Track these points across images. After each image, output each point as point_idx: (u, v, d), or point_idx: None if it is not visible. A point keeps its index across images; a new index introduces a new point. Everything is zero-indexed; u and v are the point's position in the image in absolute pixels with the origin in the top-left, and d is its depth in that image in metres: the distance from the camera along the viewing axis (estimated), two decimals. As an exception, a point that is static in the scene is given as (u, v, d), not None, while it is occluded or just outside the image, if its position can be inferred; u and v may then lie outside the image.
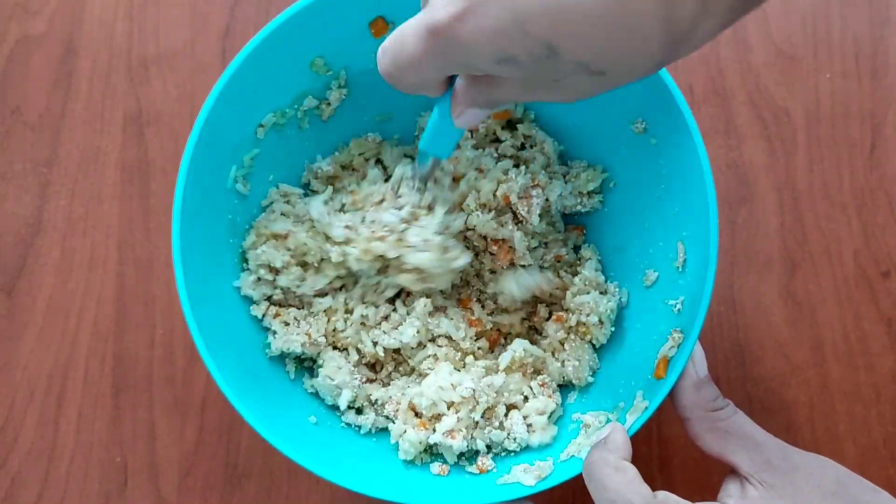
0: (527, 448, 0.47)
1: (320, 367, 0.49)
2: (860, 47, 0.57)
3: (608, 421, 0.45)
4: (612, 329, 0.48)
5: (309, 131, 0.51)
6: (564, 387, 0.50)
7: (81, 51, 0.59)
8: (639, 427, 0.42)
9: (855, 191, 0.56)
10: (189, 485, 0.54)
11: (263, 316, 0.49)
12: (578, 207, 0.51)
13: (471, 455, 0.48)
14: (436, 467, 0.46)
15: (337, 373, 0.48)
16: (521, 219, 0.48)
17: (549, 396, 0.48)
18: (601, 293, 0.49)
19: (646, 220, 0.48)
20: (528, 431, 0.47)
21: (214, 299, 0.45)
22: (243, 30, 0.59)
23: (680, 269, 0.44)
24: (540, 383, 0.48)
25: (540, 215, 0.49)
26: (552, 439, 0.47)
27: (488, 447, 0.47)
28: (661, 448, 0.53)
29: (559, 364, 0.49)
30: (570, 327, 0.49)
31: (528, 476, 0.43)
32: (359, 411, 0.49)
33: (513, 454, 0.47)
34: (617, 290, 0.49)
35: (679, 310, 0.44)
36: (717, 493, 0.40)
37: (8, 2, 0.59)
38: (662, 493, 0.38)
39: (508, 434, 0.47)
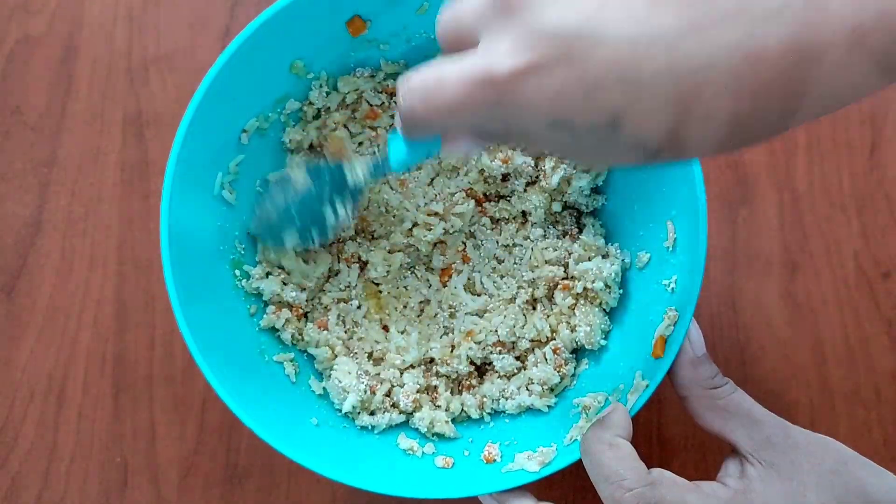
0: (526, 410, 0.48)
1: (332, 369, 0.49)
2: (861, 47, 0.57)
3: (608, 402, 0.45)
4: (621, 291, 0.48)
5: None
6: (579, 350, 0.50)
7: (81, 51, 0.59)
8: (640, 406, 0.42)
9: (855, 191, 0.56)
10: (189, 485, 0.54)
11: (275, 327, 0.49)
12: (582, 207, 0.51)
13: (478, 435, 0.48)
14: (440, 460, 0.46)
15: (346, 376, 0.48)
16: (540, 173, 0.50)
17: (560, 367, 0.48)
18: (603, 257, 0.49)
19: (634, 202, 0.48)
20: (528, 394, 0.48)
21: (209, 306, 0.45)
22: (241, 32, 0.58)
23: (670, 249, 0.45)
24: (553, 349, 0.49)
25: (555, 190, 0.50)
26: (547, 408, 0.48)
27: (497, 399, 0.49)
28: (661, 449, 0.53)
29: (569, 331, 0.49)
30: (578, 294, 0.49)
31: (532, 462, 0.43)
32: (372, 413, 0.49)
33: (515, 442, 0.47)
34: (618, 251, 0.49)
35: (673, 289, 0.44)
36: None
37: (8, 2, 0.59)
38: (657, 471, 0.37)
39: (505, 392, 0.49)
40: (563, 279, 0.50)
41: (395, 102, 0.34)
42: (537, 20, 0.26)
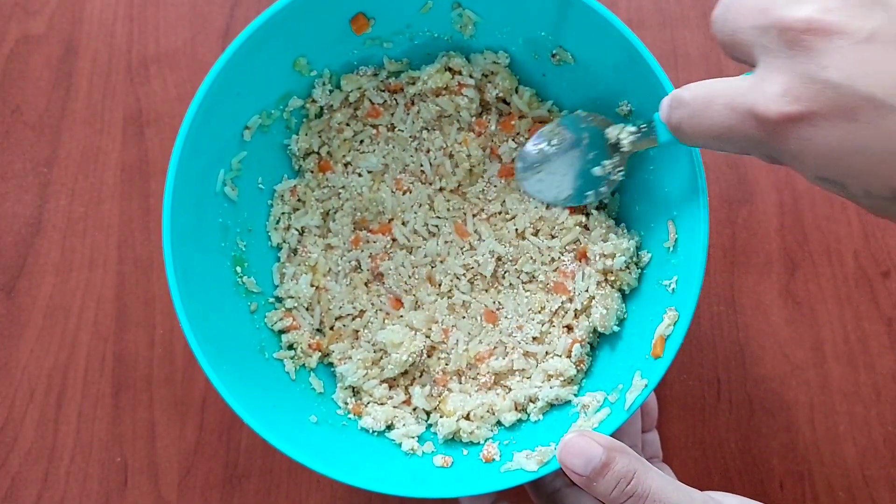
0: (551, 407, 0.48)
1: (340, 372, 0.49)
2: (860, 47, 0.57)
3: (606, 401, 0.45)
4: (640, 271, 0.48)
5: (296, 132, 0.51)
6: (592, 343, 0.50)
7: (81, 51, 0.59)
8: (640, 405, 0.42)
9: (855, 191, 0.56)
10: (189, 485, 0.54)
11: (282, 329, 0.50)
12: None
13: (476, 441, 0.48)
14: (439, 459, 0.46)
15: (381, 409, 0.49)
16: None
17: (581, 362, 0.48)
18: (615, 234, 0.49)
19: (636, 202, 0.48)
20: (549, 386, 0.48)
21: (209, 302, 0.45)
22: (243, 30, 0.58)
23: (671, 249, 0.45)
24: (573, 340, 0.48)
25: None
26: (569, 395, 0.47)
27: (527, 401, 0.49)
28: (661, 448, 0.53)
29: (587, 318, 0.49)
30: (598, 271, 0.48)
31: (531, 461, 0.43)
32: (390, 427, 0.49)
33: (513, 441, 0.47)
34: (626, 231, 0.49)
35: (673, 289, 0.44)
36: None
37: (8, 2, 0.59)
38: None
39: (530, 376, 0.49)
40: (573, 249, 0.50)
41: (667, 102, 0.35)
42: (825, 68, 0.24)
